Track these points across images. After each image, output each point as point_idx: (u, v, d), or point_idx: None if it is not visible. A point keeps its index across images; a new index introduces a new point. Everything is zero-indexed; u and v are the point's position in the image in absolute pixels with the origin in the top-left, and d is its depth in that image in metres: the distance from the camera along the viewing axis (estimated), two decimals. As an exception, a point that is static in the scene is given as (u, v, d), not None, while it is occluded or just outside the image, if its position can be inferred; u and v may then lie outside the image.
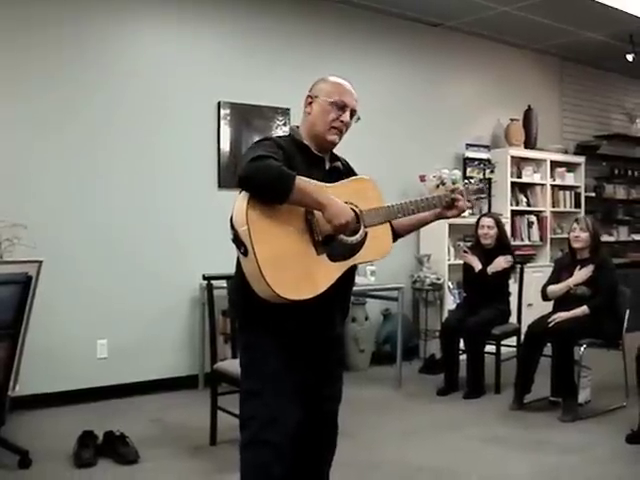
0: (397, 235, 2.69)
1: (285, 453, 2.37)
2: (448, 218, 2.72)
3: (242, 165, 2.25)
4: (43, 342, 4.67)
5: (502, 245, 5.61)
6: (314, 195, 2.28)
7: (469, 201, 2.74)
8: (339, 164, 2.59)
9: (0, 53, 4.79)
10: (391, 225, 2.59)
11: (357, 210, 2.40)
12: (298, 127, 2.57)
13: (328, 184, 2.40)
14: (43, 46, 4.93)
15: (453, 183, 2.80)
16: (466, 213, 6.61)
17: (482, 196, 2.86)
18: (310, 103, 2.52)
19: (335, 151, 2.62)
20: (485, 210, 7.14)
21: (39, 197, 4.91)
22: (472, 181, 2.84)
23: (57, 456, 3.90)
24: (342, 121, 2.48)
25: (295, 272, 2.27)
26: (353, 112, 2.51)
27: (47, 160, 4.96)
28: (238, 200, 2.26)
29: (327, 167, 2.54)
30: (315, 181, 2.34)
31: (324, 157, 2.54)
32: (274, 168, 2.21)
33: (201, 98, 5.61)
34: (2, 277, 3.67)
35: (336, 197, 2.33)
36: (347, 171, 2.62)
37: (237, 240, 2.25)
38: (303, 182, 2.25)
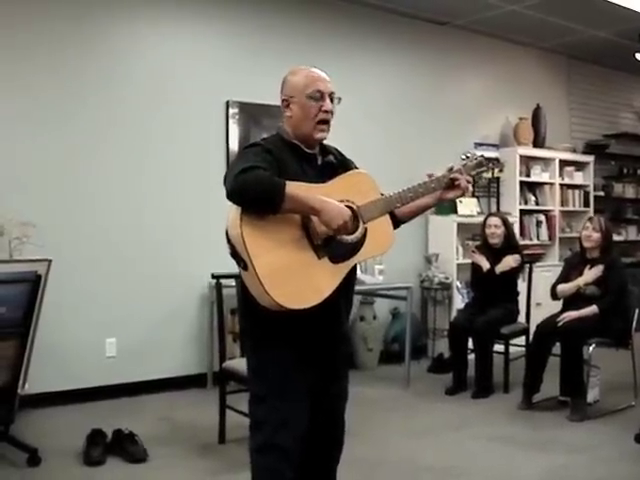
0: (399, 222, 2.62)
1: (295, 457, 2.38)
2: (451, 199, 2.64)
3: (229, 178, 2.19)
4: (52, 341, 4.68)
5: (510, 244, 5.60)
6: (306, 201, 2.22)
7: (472, 177, 2.64)
8: (331, 157, 2.52)
9: (2, 51, 4.80)
10: (392, 213, 2.52)
11: (354, 207, 2.35)
12: (283, 126, 2.49)
13: (322, 184, 2.35)
14: (46, 44, 4.94)
15: (450, 169, 2.66)
16: (474, 211, 6.67)
17: (483, 169, 2.69)
18: (287, 106, 2.44)
19: (329, 143, 2.55)
20: (493, 209, 7.14)
21: (48, 196, 4.93)
22: (469, 156, 2.72)
23: (66, 454, 3.91)
24: (326, 110, 2.40)
25: (298, 281, 2.23)
26: (332, 96, 2.43)
27: (54, 159, 4.97)
28: (231, 213, 2.21)
29: (319, 162, 2.48)
30: (307, 184, 2.29)
31: (315, 153, 2.48)
32: (263, 179, 2.16)
33: (209, 97, 5.62)
34: (12, 276, 3.69)
35: (331, 195, 2.28)
36: (340, 162, 2.55)
37: (235, 255, 2.22)
38: (294, 189, 2.19)
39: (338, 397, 2.61)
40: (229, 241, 2.24)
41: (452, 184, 2.57)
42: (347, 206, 2.32)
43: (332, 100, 2.43)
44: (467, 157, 2.71)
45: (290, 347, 2.38)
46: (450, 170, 2.61)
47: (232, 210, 2.22)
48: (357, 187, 2.43)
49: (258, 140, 2.47)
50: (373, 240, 2.41)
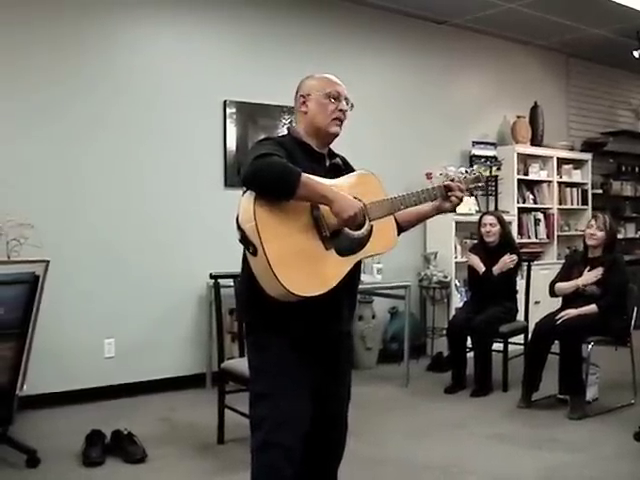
0: (400, 230, 2.69)
1: (296, 455, 2.37)
2: (448, 210, 2.71)
3: (246, 165, 2.25)
4: (50, 342, 4.67)
5: (506, 243, 5.60)
6: (320, 190, 2.28)
7: (468, 190, 2.75)
8: (338, 160, 2.60)
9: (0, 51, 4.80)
10: (395, 220, 2.60)
11: (361, 204, 2.39)
12: (294, 126, 2.58)
13: (332, 179, 2.41)
14: (44, 44, 4.92)
15: (452, 180, 2.77)
16: (473, 210, 6.67)
17: (479, 185, 2.85)
18: (304, 102, 2.53)
19: (335, 149, 2.62)
20: (492, 207, 7.14)
21: (46, 197, 4.91)
22: (468, 171, 2.85)
23: (65, 455, 3.91)
24: (341, 110, 2.50)
25: (305, 268, 2.26)
26: (347, 101, 2.54)
27: (52, 159, 4.96)
28: (244, 199, 2.25)
29: (327, 164, 2.55)
30: (318, 177, 2.34)
31: (324, 154, 2.55)
32: (279, 165, 2.21)
33: (207, 97, 5.61)
34: (9, 277, 3.68)
35: (340, 190, 2.34)
36: (346, 167, 2.63)
37: (245, 240, 2.24)
38: (308, 177, 2.25)
39: (340, 398, 2.62)
40: (239, 227, 2.26)
41: (447, 195, 2.66)
42: None
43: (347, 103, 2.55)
44: (466, 172, 2.84)
45: (291, 345, 2.38)
46: (452, 181, 2.69)
47: (245, 196, 2.25)
48: (365, 187, 2.49)
49: (271, 136, 2.52)
50: (378, 238, 2.46)
